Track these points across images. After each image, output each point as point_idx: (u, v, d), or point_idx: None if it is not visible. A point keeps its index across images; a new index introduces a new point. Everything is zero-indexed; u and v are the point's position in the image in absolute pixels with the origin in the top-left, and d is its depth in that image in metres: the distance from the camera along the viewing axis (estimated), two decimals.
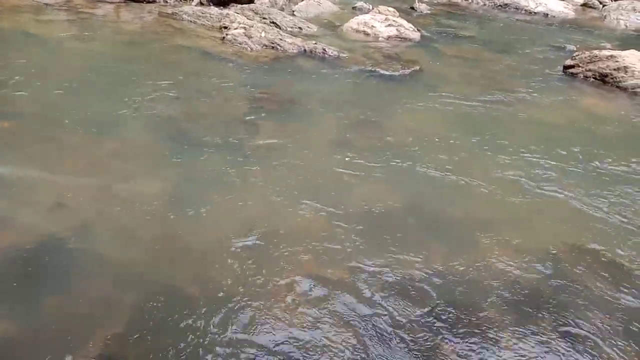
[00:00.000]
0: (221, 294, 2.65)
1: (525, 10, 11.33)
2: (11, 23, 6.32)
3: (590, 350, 2.55)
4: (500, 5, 11.52)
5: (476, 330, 2.61)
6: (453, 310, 2.72)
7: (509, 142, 4.66)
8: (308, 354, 2.38)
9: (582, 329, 2.67)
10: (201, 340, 2.38)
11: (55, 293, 2.55)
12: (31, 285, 2.59)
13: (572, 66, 6.91)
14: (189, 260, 2.87)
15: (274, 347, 2.40)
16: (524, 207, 3.72)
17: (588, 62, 6.80)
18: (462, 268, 3.03)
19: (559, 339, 2.60)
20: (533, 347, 2.55)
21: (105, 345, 2.30)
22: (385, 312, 2.66)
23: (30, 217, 3.04)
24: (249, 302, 2.62)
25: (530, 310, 2.77)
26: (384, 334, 2.53)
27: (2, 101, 4.30)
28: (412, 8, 10.09)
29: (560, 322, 2.71)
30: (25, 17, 6.67)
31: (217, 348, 2.35)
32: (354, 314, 2.63)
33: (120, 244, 2.95)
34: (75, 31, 6.52)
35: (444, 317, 2.67)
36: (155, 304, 2.56)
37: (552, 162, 4.39)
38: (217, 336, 2.41)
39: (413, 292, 2.81)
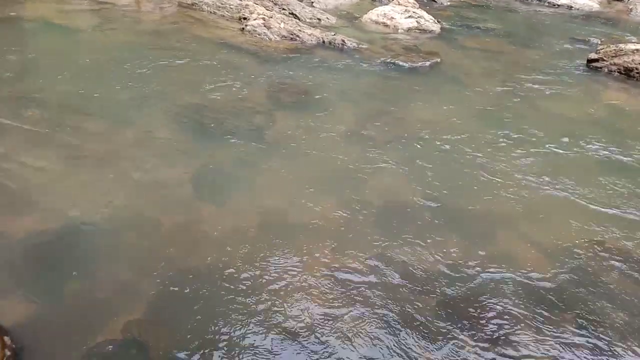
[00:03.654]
0: (239, 282, 2.67)
1: (548, 2, 11.12)
2: (35, 13, 6.42)
3: (611, 348, 2.52)
4: None
5: (495, 324, 2.60)
6: (471, 304, 2.71)
7: (529, 136, 4.60)
8: (323, 343, 2.40)
9: (603, 326, 2.64)
10: (219, 327, 2.41)
11: (77, 277, 2.60)
12: (55, 269, 2.65)
13: (596, 60, 6.76)
14: (209, 248, 2.90)
15: (290, 335, 2.42)
16: (544, 201, 3.67)
17: (613, 56, 6.66)
18: (480, 262, 3.01)
19: (579, 336, 2.57)
20: (553, 343, 2.52)
21: (125, 329, 2.35)
22: (403, 305, 2.66)
23: (54, 203, 3.10)
24: (267, 290, 2.64)
25: (551, 306, 2.74)
26: (401, 326, 2.53)
27: (28, 90, 4.38)
28: (433, 0, 9.97)
29: (581, 319, 2.68)
30: (48, 6, 6.76)
31: (234, 334, 2.38)
32: (370, 305, 2.63)
33: (142, 230, 2.99)
34: (97, 21, 6.59)
35: (461, 311, 2.66)
36: (174, 290, 2.60)
37: (574, 157, 4.33)
38: (234, 323, 2.44)
39: (430, 285, 2.81)
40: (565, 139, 4.58)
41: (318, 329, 2.47)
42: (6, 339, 2.09)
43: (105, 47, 5.61)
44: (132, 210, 3.14)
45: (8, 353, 2.04)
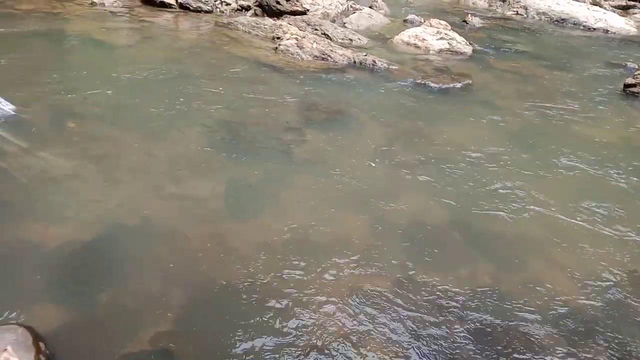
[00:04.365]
0: (266, 297, 2.70)
1: (583, 25, 10.97)
2: (80, 30, 6.72)
3: None
4: (557, 21, 11.21)
5: (523, 353, 2.54)
6: (499, 332, 2.66)
7: (561, 161, 4.52)
8: None
9: (636, 358, 2.55)
10: (246, 340, 2.43)
11: (108, 287, 2.67)
12: (87, 278, 2.74)
13: (634, 85, 6.62)
14: (237, 262, 2.94)
15: (314, 352, 2.42)
16: (576, 228, 3.59)
17: None
18: (509, 288, 2.96)
19: None
20: None
21: (155, 340, 2.39)
22: (428, 329, 2.63)
23: (88, 212, 3.21)
24: (292, 306, 2.66)
25: (582, 336, 2.67)
26: (425, 351, 2.50)
27: (70, 103, 4.57)
28: (465, 22, 9.98)
29: (613, 351, 2.59)
30: (92, 24, 7.07)
31: (260, 348, 2.40)
32: (395, 328, 2.61)
33: (172, 242, 3.06)
34: (136, 39, 6.85)
35: (489, 338, 2.61)
36: (203, 302, 2.64)
37: (607, 184, 4.23)
38: (260, 336, 2.46)
39: (457, 310, 2.77)
40: (599, 165, 4.48)
41: (342, 348, 2.46)
42: (41, 344, 2.16)
43: (143, 63, 5.81)
44: (163, 222, 3.21)
45: (43, 358, 2.10)
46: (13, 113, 4.18)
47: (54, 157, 3.73)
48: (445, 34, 8.10)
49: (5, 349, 1.94)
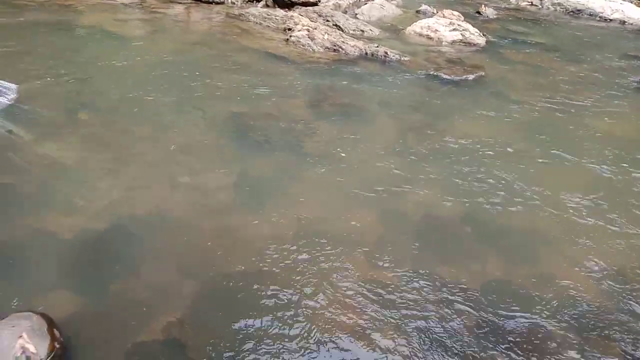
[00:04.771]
0: (276, 288, 2.71)
1: (600, 17, 10.77)
2: (92, 21, 6.75)
3: None
4: (572, 12, 11.02)
5: (534, 348, 2.53)
6: (510, 325, 2.65)
7: (575, 154, 4.46)
8: (355, 354, 2.40)
9: None
10: (256, 330, 2.45)
11: (120, 276, 2.71)
12: (99, 267, 2.77)
13: None
14: (248, 253, 2.95)
15: (324, 343, 2.43)
16: (590, 223, 3.54)
17: None
18: (521, 282, 2.94)
19: None
20: None
21: (166, 329, 2.42)
22: (438, 322, 2.62)
23: (101, 203, 3.24)
24: (302, 297, 2.67)
25: (593, 331, 2.65)
26: (435, 344, 2.50)
27: (82, 94, 4.61)
28: (478, 12, 9.86)
29: (625, 347, 2.57)
30: (104, 15, 7.10)
31: (270, 338, 2.42)
32: (405, 321, 2.61)
33: (183, 232, 3.08)
34: (148, 30, 6.87)
35: (500, 332, 2.60)
36: (214, 293, 2.67)
37: (622, 178, 4.17)
38: (270, 327, 2.47)
39: (468, 303, 2.76)
40: (614, 160, 4.42)
41: (352, 339, 2.47)
42: (56, 332, 2.19)
43: (155, 55, 5.83)
44: (174, 213, 3.24)
45: (57, 345, 2.14)
46: (20, 104, 4.21)
47: (64, 148, 3.77)
48: (459, 24, 8.01)
49: (21, 336, 1.98)
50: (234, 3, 8.43)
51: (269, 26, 7.51)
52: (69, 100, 4.47)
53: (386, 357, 2.40)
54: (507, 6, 11.16)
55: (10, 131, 3.85)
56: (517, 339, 2.57)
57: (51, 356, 2.09)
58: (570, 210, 3.65)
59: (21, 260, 2.72)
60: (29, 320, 2.15)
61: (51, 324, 2.22)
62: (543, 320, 2.70)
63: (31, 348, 1.96)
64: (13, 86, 4.32)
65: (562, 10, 11.12)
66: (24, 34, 5.95)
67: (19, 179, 3.37)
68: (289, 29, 7.14)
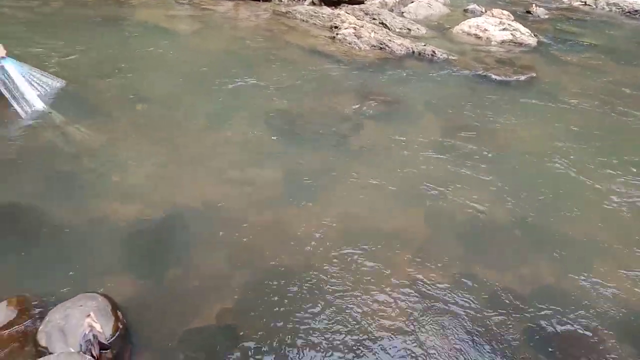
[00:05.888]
0: (322, 281, 2.75)
1: None
2: (146, 17, 6.97)
3: None
4: (629, 12, 10.56)
5: (585, 355, 2.47)
6: (561, 333, 2.59)
7: (629, 160, 4.30)
8: (399, 352, 2.41)
9: None
10: (303, 319, 2.50)
11: (176, 265, 2.81)
12: (156, 255, 2.88)
13: None
14: (294, 246, 3.01)
15: (368, 338, 2.45)
16: None
17: None
18: (573, 288, 2.87)
19: None
20: None
21: (219, 316, 2.50)
22: (486, 326, 2.59)
23: (155, 194, 3.36)
24: (347, 291, 2.70)
25: None
26: (483, 348, 2.48)
27: (137, 86, 4.78)
28: (529, 12, 9.60)
29: None
30: (157, 12, 7.32)
31: (316, 329, 2.46)
32: (451, 324, 2.60)
33: (233, 224, 3.15)
34: (198, 26, 7.04)
35: (550, 339, 2.55)
36: (263, 283, 2.72)
37: None
38: (316, 317, 2.52)
39: (518, 308, 2.71)
40: None
41: (394, 339, 2.48)
42: (119, 313, 2.30)
43: (204, 51, 5.97)
44: (224, 206, 3.32)
45: (120, 326, 2.24)
46: (76, 95, 4.37)
47: (119, 139, 3.91)
48: (509, 24, 7.82)
49: (89, 315, 2.08)
50: (280, 1, 8.51)
51: (315, 24, 7.55)
52: (123, 93, 4.64)
53: (426, 357, 2.40)
54: (558, 6, 10.82)
55: (67, 123, 4.03)
56: (567, 350, 2.51)
57: (115, 336, 2.19)
58: (626, 217, 3.53)
59: (84, 245, 2.86)
60: (95, 300, 2.26)
61: (115, 305, 2.32)
62: (594, 330, 2.62)
63: (98, 327, 2.05)
64: (63, 82, 4.51)
65: (618, 10, 10.67)
66: (81, 28, 6.20)
67: (78, 168, 3.53)
68: (336, 27, 7.16)
